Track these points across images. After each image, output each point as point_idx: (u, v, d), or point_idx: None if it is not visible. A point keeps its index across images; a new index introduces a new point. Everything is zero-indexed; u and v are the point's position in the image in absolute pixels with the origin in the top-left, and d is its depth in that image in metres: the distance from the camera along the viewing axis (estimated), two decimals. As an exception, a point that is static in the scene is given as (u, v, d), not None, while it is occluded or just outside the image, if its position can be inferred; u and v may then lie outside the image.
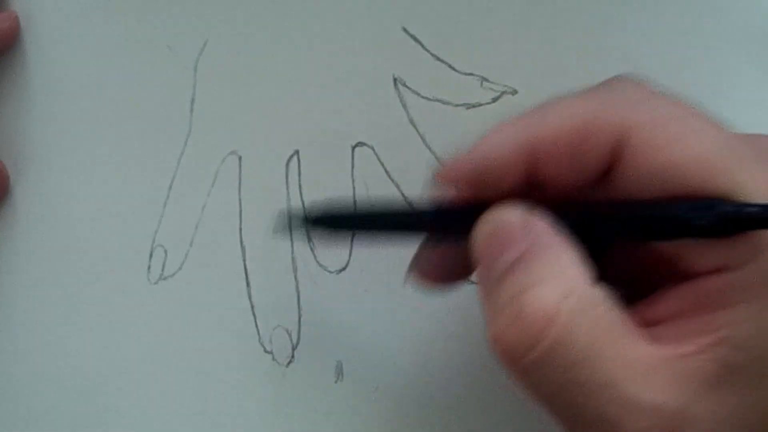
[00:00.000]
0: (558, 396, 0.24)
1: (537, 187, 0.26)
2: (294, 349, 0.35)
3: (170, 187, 0.36)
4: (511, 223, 0.25)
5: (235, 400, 0.35)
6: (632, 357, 0.24)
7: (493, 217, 0.26)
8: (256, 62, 0.35)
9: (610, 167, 0.25)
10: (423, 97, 0.35)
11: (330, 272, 0.35)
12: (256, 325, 0.35)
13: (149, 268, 0.36)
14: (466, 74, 0.35)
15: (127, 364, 0.36)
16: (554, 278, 0.24)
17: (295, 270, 0.35)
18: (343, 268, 0.35)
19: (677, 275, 0.25)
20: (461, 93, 0.35)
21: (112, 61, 0.36)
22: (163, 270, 0.35)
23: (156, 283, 0.36)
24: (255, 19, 0.35)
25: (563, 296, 0.24)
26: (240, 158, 0.35)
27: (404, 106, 0.35)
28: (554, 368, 0.23)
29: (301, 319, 0.35)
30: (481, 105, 0.35)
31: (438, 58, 0.35)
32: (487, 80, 0.35)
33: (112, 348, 0.36)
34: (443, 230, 0.28)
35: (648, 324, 0.25)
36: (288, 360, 0.35)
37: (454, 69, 0.35)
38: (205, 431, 0.35)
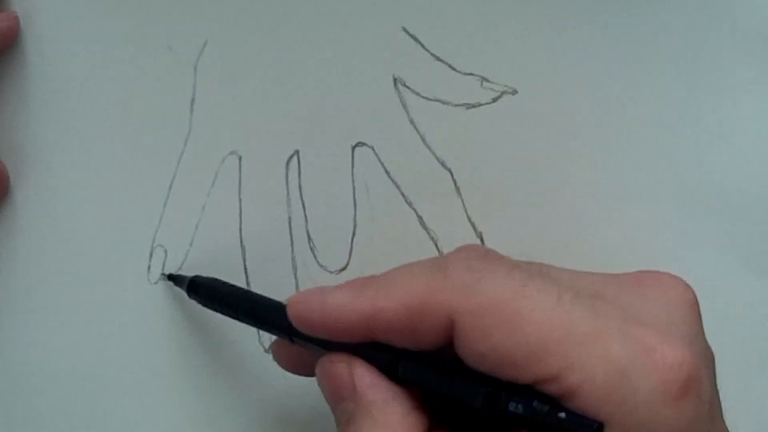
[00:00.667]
0: None
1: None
2: (294, 349, 0.35)
3: (170, 187, 0.36)
4: (340, 378, 0.27)
5: (235, 400, 0.35)
6: None
7: (325, 367, 0.28)
8: (256, 62, 0.35)
9: (448, 344, 0.26)
10: (423, 97, 0.35)
11: (330, 272, 0.35)
12: (256, 325, 0.35)
13: (149, 268, 0.36)
14: (466, 74, 0.35)
15: (127, 364, 0.36)
16: None
17: (295, 270, 0.35)
18: (343, 268, 0.35)
19: None
20: (461, 93, 0.35)
21: (112, 61, 0.35)
22: (163, 270, 0.35)
23: (156, 283, 0.36)
24: (255, 19, 0.35)
25: None
26: (240, 158, 0.35)
27: (404, 106, 0.35)
28: None
29: (301, 319, 0.35)
30: (481, 105, 0.35)
31: (438, 58, 0.35)
32: (487, 80, 0.35)
33: (112, 348, 0.36)
34: (296, 340, 0.30)
35: None
36: (288, 360, 0.35)
37: (454, 69, 0.35)
38: (205, 431, 0.35)
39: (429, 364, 0.27)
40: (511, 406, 0.25)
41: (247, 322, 0.32)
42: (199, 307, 0.35)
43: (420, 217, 0.35)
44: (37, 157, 0.36)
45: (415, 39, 0.35)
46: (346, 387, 0.27)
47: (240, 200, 0.35)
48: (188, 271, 0.35)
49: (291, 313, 0.29)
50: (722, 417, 0.26)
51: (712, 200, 0.35)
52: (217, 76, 0.35)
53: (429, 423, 0.27)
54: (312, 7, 0.35)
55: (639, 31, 0.35)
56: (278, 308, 0.30)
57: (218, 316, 0.33)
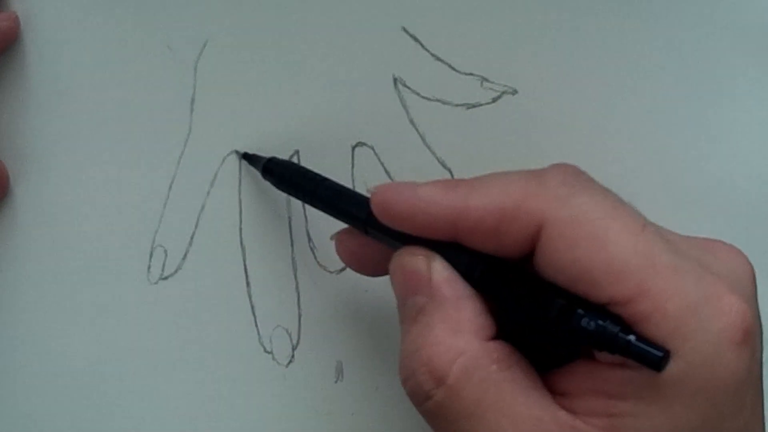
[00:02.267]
0: None
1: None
2: (294, 349, 0.35)
3: (170, 187, 0.36)
4: (416, 271, 0.27)
5: (235, 400, 0.35)
6: (524, 414, 0.25)
7: (402, 259, 0.28)
8: (256, 62, 0.35)
9: (530, 251, 0.26)
10: (423, 97, 0.35)
11: (330, 272, 0.35)
12: (256, 325, 0.35)
13: (149, 268, 0.36)
14: (466, 74, 0.35)
15: (127, 365, 0.36)
16: (447, 338, 0.26)
17: (295, 270, 0.35)
18: (344, 268, 0.35)
19: (589, 354, 0.26)
20: (461, 93, 0.35)
21: (112, 61, 0.36)
22: (163, 270, 0.35)
23: (156, 283, 0.36)
24: (255, 19, 0.35)
25: (454, 358, 0.26)
26: (240, 158, 0.35)
27: (404, 106, 0.35)
28: (444, 419, 0.26)
29: (301, 319, 0.35)
30: (481, 105, 0.35)
31: (438, 58, 0.35)
32: (487, 80, 0.35)
33: (113, 348, 0.36)
34: (371, 232, 0.29)
35: (557, 392, 0.26)
36: (288, 360, 0.35)
37: (454, 69, 0.35)
38: (205, 431, 0.35)
39: (506, 272, 0.27)
40: (584, 322, 0.25)
41: (321, 208, 0.31)
42: (199, 307, 0.35)
43: (420, 217, 0.35)
44: (37, 157, 0.36)
45: (415, 39, 0.35)
46: (422, 280, 0.27)
47: (240, 200, 0.35)
48: (187, 272, 0.35)
49: (376, 200, 0.28)
50: (762, 395, 0.27)
51: (712, 201, 0.35)
52: (217, 76, 0.35)
53: (495, 331, 0.27)
54: (312, 7, 0.35)
55: (639, 31, 0.35)
56: (356, 197, 0.30)
57: (217, 315, 0.33)
